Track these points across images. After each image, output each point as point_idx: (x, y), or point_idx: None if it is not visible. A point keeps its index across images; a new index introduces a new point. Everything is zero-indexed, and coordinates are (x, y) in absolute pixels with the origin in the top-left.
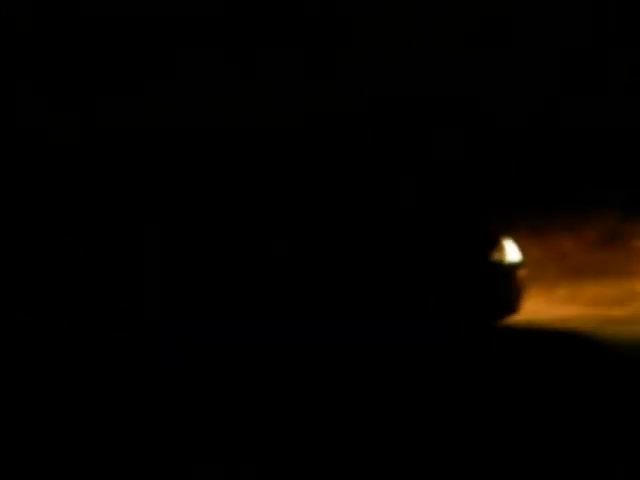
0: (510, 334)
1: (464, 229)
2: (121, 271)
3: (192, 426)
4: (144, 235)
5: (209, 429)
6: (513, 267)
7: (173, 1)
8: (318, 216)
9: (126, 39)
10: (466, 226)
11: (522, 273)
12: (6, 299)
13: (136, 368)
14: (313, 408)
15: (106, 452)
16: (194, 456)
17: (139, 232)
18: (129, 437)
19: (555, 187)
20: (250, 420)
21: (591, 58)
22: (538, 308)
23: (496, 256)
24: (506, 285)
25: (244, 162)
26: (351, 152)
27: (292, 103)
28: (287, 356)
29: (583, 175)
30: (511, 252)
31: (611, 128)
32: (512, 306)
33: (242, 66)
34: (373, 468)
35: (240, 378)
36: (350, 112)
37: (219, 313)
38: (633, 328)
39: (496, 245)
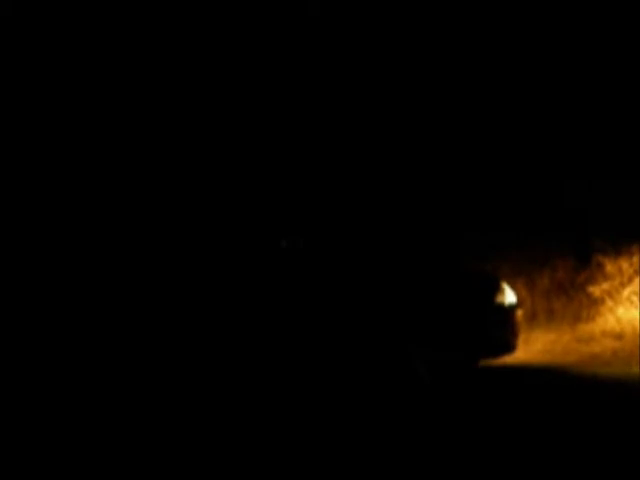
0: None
1: (477, 278)
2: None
3: None
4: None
5: None
6: (512, 308)
7: None
8: None
9: None
10: (478, 276)
11: (519, 314)
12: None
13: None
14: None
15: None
16: None
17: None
18: None
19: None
20: None
21: None
22: None
23: (499, 299)
24: (507, 325)
25: None
26: None
27: None
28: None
29: (536, 221)
30: (509, 295)
31: None
32: (512, 344)
33: None
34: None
35: None
36: None
37: None
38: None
39: (498, 290)
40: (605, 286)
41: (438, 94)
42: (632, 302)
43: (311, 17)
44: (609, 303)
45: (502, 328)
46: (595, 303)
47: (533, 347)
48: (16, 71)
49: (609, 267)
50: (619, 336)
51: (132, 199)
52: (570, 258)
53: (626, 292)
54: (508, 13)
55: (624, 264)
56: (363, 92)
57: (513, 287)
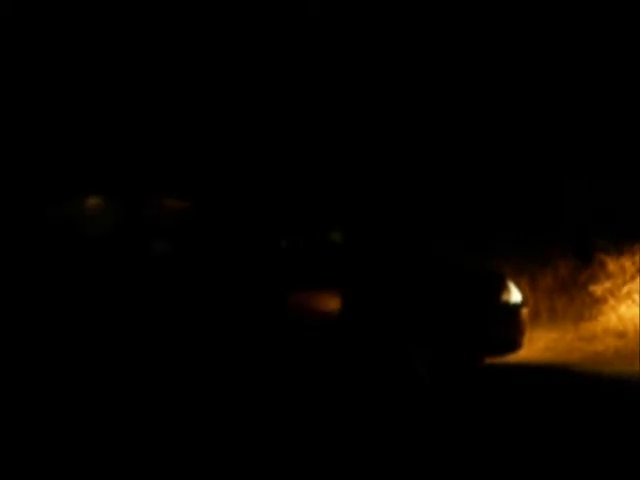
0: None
1: (482, 277)
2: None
3: None
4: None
5: None
6: (517, 307)
7: None
8: None
9: None
10: (483, 274)
11: (524, 312)
12: None
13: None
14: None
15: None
16: None
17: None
18: None
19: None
20: None
21: None
22: None
23: (504, 297)
24: (513, 323)
25: None
26: None
27: None
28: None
29: (537, 220)
30: (515, 293)
31: None
32: (518, 342)
33: None
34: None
35: None
36: None
37: None
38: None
39: (504, 288)
40: (607, 285)
41: (438, 94)
42: (634, 300)
43: (311, 17)
44: (611, 301)
45: (508, 326)
46: (597, 302)
47: (536, 346)
48: (16, 71)
49: (611, 266)
50: (621, 334)
51: (134, 193)
52: (572, 257)
53: (629, 291)
54: (508, 13)
55: (626, 262)
56: (363, 92)
57: (516, 286)
